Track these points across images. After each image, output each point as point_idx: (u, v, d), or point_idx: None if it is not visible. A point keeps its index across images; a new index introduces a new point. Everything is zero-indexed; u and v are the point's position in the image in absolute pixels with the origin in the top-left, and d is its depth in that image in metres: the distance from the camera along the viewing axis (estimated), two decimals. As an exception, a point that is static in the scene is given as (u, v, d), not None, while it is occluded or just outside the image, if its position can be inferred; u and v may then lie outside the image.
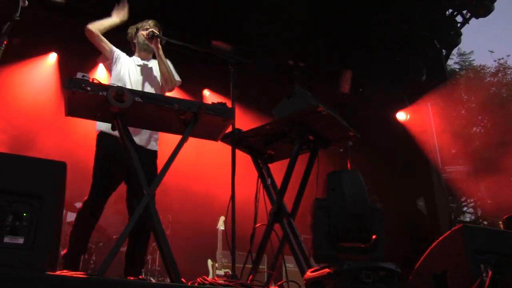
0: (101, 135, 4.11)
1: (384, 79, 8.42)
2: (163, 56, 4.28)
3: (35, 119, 7.53)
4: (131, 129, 3.33)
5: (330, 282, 2.78)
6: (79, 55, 7.96)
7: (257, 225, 3.67)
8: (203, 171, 8.07)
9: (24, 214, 2.27)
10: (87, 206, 3.96)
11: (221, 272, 6.41)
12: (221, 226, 6.66)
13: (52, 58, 8.18)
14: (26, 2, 4.19)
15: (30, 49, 7.76)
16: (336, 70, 8.59)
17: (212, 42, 7.60)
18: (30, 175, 2.33)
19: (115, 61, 4.34)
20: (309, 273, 3.01)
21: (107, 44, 4.33)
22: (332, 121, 3.56)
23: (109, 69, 4.42)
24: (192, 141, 3.39)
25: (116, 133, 3.66)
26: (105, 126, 3.94)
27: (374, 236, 3.06)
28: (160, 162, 3.82)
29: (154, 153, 4.21)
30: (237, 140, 3.74)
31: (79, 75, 3.07)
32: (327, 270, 2.81)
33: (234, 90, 3.73)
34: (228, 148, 3.79)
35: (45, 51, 8.05)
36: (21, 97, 7.60)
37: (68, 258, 3.90)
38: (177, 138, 3.35)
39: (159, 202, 3.25)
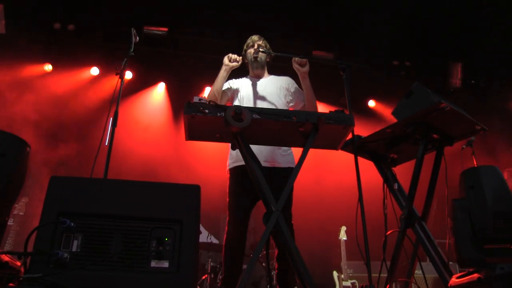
0: (231, 170, 4.16)
1: (500, 67, 7.85)
2: None
3: (155, 146, 7.96)
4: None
5: (482, 288, 2.58)
6: (184, 82, 8.39)
7: (389, 232, 3.52)
8: (320, 182, 8.00)
9: (166, 239, 2.34)
10: (229, 236, 3.94)
11: (347, 283, 6.27)
12: (343, 236, 6.56)
13: (161, 87, 8.64)
14: (137, 37, 4.46)
15: (142, 81, 8.29)
16: (444, 64, 8.19)
17: (313, 52, 7.58)
18: (168, 200, 2.40)
19: (236, 94, 4.39)
20: (455, 279, 2.82)
21: (226, 94, 4.37)
22: (457, 116, 3.32)
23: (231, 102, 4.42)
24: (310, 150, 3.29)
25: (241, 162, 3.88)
26: (233, 162, 4.11)
27: (525, 235, 2.80)
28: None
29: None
30: (358, 147, 3.63)
31: (196, 99, 3.08)
32: (476, 275, 2.61)
33: (349, 95, 3.62)
34: (345, 155, 3.69)
35: (155, 81, 8.55)
36: (140, 126, 8.09)
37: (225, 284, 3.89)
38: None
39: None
